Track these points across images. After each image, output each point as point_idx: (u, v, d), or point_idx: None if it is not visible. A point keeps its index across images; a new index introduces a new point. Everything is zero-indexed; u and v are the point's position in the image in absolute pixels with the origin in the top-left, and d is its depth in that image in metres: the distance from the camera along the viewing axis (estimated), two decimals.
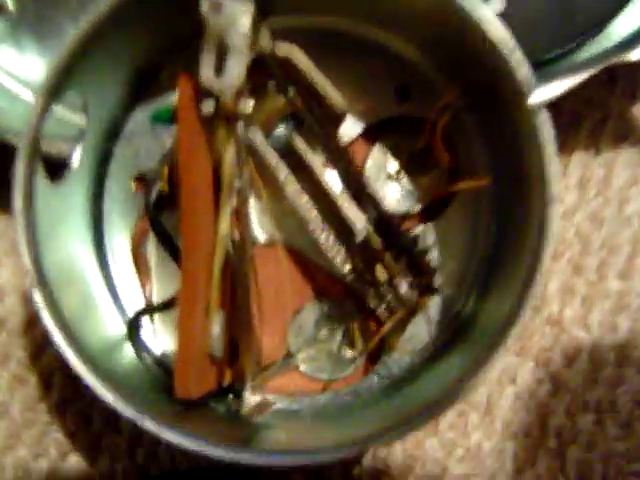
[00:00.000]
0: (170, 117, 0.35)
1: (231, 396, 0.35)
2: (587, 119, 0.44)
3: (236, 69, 0.31)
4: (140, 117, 0.37)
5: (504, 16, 0.39)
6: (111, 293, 0.37)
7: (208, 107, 0.32)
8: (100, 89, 0.35)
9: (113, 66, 0.34)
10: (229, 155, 0.32)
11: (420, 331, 0.36)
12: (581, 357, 0.41)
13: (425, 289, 0.34)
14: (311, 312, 0.37)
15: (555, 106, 0.39)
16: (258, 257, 0.36)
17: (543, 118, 0.31)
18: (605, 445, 0.40)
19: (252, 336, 0.35)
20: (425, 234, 0.36)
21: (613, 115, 0.44)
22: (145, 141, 0.37)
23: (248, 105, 0.32)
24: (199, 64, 0.31)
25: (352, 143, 0.37)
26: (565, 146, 0.44)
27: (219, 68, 0.31)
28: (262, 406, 0.35)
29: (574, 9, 0.40)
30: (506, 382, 0.41)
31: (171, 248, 0.35)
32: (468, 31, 0.32)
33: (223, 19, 0.30)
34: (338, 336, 0.37)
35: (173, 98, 0.36)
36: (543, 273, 0.31)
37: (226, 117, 0.32)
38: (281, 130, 0.36)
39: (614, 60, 0.38)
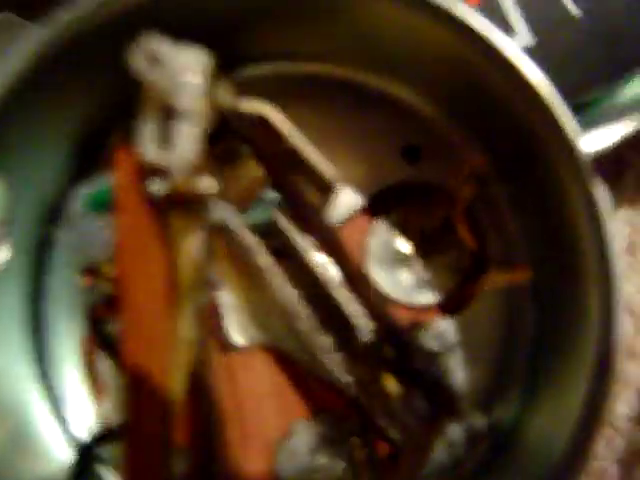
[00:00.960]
0: (108, 203, 0.28)
1: None
2: (632, 167, 0.37)
3: (188, 139, 0.24)
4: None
5: (532, 51, 0.33)
6: (56, 418, 0.30)
7: (158, 187, 0.25)
8: (27, 164, 0.27)
9: (42, 136, 0.27)
10: (188, 247, 0.25)
11: (442, 456, 0.28)
12: None
13: (445, 411, 0.27)
14: (305, 433, 0.29)
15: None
16: (237, 366, 0.29)
17: (596, 181, 0.23)
18: None
19: (230, 466, 0.28)
20: (445, 332, 0.29)
21: None
22: (93, 225, 0.30)
23: (211, 184, 0.25)
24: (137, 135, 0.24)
25: (350, 220, 0.29)
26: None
27: (165, 140, 0.23)
28: None
29: (620, 36, 0.32)
30: None
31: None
32: (492, 74, 0.25)
33: (166, 75, 0.23)
34: (340, 464, 0.29)
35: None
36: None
37: (181, 201, 0.25)
38: (260, 207, 0.29)
39: None
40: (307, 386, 0.29)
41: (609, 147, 0.32)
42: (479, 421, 0.28)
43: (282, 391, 0.29)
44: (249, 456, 0.29)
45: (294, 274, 0.28)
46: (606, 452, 0.33)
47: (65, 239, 0.30)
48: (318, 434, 0.29)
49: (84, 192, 0.29)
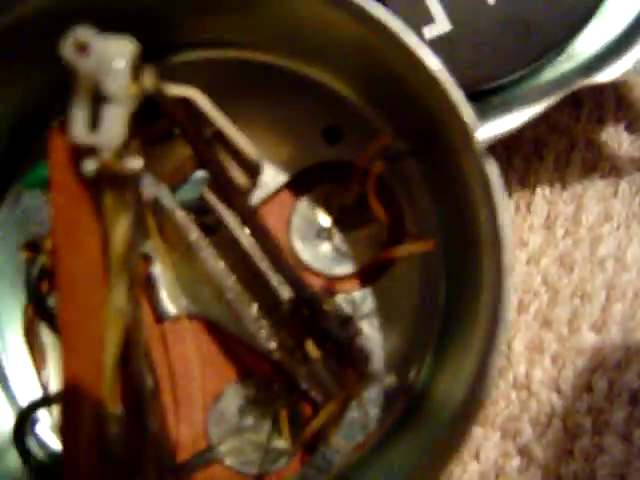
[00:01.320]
0: (44, 182, 0.30)
1: None
2: (551, 148, 0.39)
3: (115, 121, 0.25)
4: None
5: (449, 38, 0.35)
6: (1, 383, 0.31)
7: (89, 166, 0.26)
8: None
9: None
10: (119, 223, 0.27)
11: (360, 417, 0.30)
12: (553, 425, 0.35)
13: (360, 374, 0.29)
14: (234, 396, 0.31)
15: (515, 136, 0.34)
16: (169, 334, 0.31)
17: (491, 165, 0.25)
18: None
19: (163, 429, 0.29)
20: (363, 300, 0.31)
21: (580, 143, 0.39)
22: (36, 202, 0.31)
23: (138, 162, 0.27)
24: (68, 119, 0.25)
25: (274, 197, 0.31)
26: (527, 180, 0.39)
27: (94, 122, 0.25)
28: None
29: (529, 27, 0.34)
30: (469, 458, 0.35)
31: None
32: (397, 62, 0.27)
33: (94, 62, 0.24)
34: (266, 424, 0.31)
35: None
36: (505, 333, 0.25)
37: (111, 179, 0.26)
38: (191, 184, 0.31)
39: (579, 83, 0.33)
40: (235, 352, 0.32)
41: (525, 126, 0.34)
42: (393, 383, 0.31)
43: (212, 358, 0.31)
44: (180, 421, 0.31)
45: (223, 248, 0.30)
46: (521, 414, 0.36)
47: (7, 216, 0.32)
48: (246, 397, 0.31)
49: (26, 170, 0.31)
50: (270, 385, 0.31)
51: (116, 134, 0.25)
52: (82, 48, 0.24)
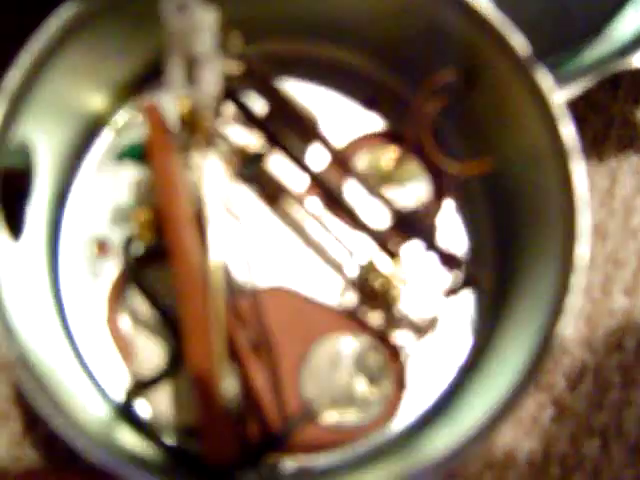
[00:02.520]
0: (140, 154, 0.33)
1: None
2: (590, 126, 0.42)
3: (210, 75, 0.28)
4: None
5: None
6: (87, 375, 0.33)
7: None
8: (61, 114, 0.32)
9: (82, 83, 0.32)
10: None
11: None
12: (585, 379, 0.39)
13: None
14: (323, 353, 0.33)
15: None
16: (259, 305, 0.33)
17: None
18: (611, 472, 0.38)
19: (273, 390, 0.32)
20: None
21: (617, 121, 0.42)
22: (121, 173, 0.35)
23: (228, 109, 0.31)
24: (166, 79, 0.28)
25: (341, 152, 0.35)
26: None
27: (190, 79, 0.28)
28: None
29: (570, 11, 0.37)
30: None
31: (160, 309, 0.33)
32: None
33: (190, 22, 0.27)
34: (357, 376, 0.33)
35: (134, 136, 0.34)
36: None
37: (201, 140, 0.30)
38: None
39: (615, 67, 0.36)
40: (316, 314, 0.34)
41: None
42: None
43: (294, 321, 0.33)
44: (277, 383, 0.32)
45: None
46: (556, 368, 0.39)
47: (95, 184, 0.35)
48: (336, 352, 0.33)
49: (119, 143, 0.35)
50: (357, 339, 0.34)
51: (211, 87, 0.28)
52: (181, 8, 0.27)
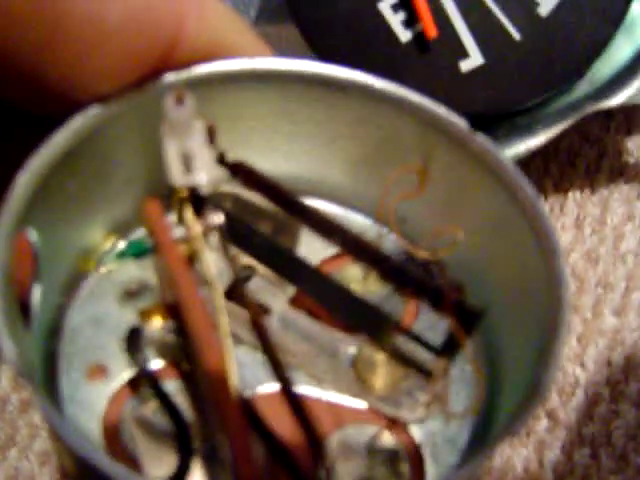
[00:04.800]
0: (146, 248, 0.34)
1: None
2: (583, 157, 0.45)
3: (206, 161, 0.31)
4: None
5: (482, 70, 0.42)
6: None
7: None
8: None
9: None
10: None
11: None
12: (577, 393, 0.42)
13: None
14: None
15: (552, 144, 0.41)
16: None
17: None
18: (600, 478, 0.41)
19: None
20: None
21: (609, 152, 0.45)
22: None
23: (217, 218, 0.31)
24: (166, 168, 0.30)
25: None
26: (561, 185, 0.45)
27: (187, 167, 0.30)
28: None
29: (550, 58, 0.41)
30: None
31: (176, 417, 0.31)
32: None
33: (187, 112, 0.29)
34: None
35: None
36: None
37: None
38: None
39: (592, 108, 0.40)
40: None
41: (547, 143, 0.41)
42: None
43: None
44: None
45: None
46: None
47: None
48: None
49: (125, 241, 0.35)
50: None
51: (209, 171, 0.30)
52: (180, 99, 0.29)
